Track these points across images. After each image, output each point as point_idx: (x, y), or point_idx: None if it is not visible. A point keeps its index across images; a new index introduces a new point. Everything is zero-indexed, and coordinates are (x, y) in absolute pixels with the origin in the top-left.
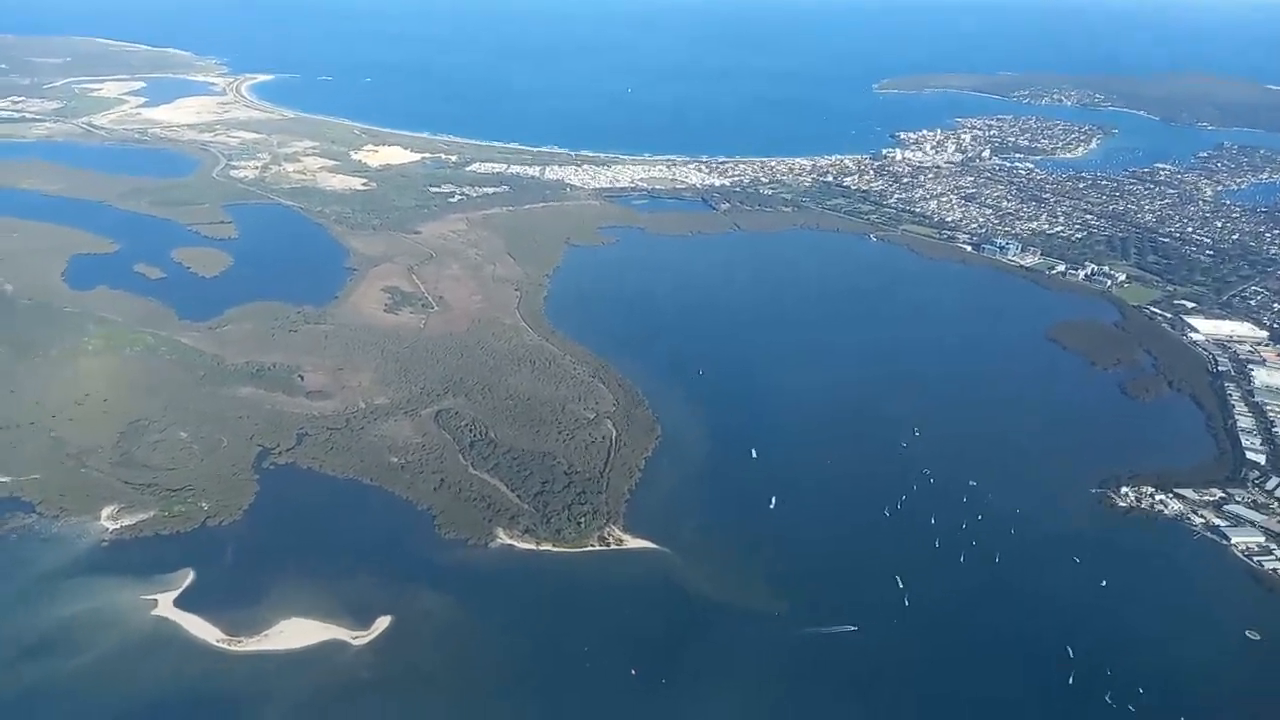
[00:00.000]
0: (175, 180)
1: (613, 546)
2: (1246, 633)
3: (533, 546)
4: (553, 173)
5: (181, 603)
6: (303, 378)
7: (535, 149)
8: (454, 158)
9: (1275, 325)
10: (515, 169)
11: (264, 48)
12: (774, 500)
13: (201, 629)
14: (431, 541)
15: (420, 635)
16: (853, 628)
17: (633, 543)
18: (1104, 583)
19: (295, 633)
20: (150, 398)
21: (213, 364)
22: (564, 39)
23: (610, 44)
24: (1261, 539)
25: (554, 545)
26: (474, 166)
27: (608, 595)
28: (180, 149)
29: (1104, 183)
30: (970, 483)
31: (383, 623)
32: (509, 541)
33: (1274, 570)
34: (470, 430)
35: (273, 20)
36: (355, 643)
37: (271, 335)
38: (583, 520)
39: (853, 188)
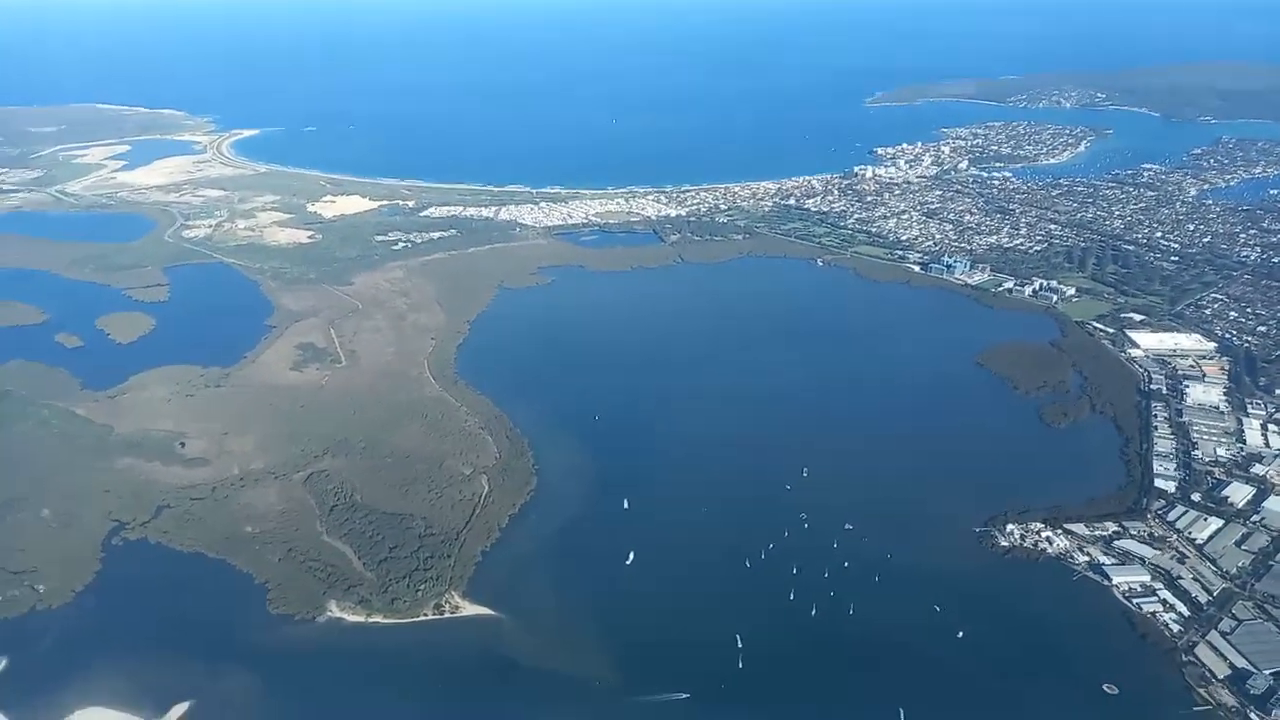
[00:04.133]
0: (124, 244)
1: (447, 615)
2: (1104, 687)
3: (362, 619)
4: (508, 213)
5: None
6: (184, 445)
7: (498, 188)
8: (411, 203)
9: (1226, 335)
10: (470, 211)
11: (257, 103)
12: (631, 556)
13: None
14: (258, 617)
15: None
16: (684, 695)
17: (469, 610)
18: (960, 634)
19: None
20: (24, 474)
21: (99, 435)
22: (565, 71)
23: (610, 73)
24: (1146, 578)
25: (385, 616)
26: (429, 211)
27: (428, 668)
28: (141, 211)
29: (1079, 189)
30: (846, 526)
31: (179, 709)
32: (339, 614)
33: (1153, 614)
34: (336, 494)
35: (272, 76)
36: None
37: (168, 401)
38: (421, 588)
39: (813, 210)
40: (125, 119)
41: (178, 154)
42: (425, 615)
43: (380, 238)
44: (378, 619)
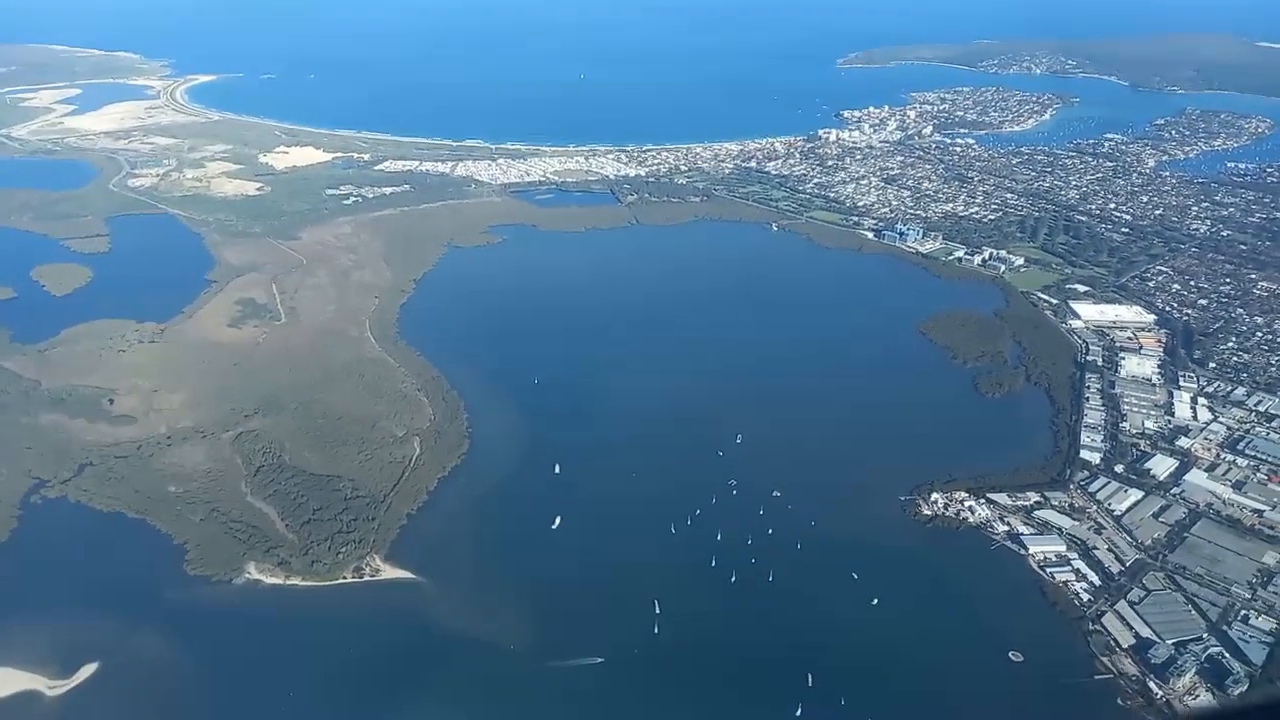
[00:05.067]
0: (67, 192)
1: (367, 578)
2: (1010, 654)
3: (280, 581)
4: (464, 169)
5: None
6: (112, 401)
7: (456, 143)
8: (366, 156)
9: (1167, 308)
10: (426, 166)
11: (216, 47)
12: (558, 520)
13: None
14: (174, 578)
15: (123, 682)
16: (599, 659)
17: (390, 573)
18: (875, 601)
19: None
20: None
21: (26, 390)
22: (535, 21)
23: (583, 24)
24: (1061, 548)
25: (304, 579)
26: (384, 165)
27: (342, 631)
28: (87, 158)
29: (1039, 158)
30: (774, 493)
31: (87, 670)
32: (257, 576)
33: (1065, 583)
34: (264, 454)
35: (236, 19)
36: (51, 693)
37: (99, 355)
38: (342, 551)
39: (773, 173)
40: (78, 61)
41: (130, 99)
42: (344, 578)
43: (331, 191)
44: (296, 581)
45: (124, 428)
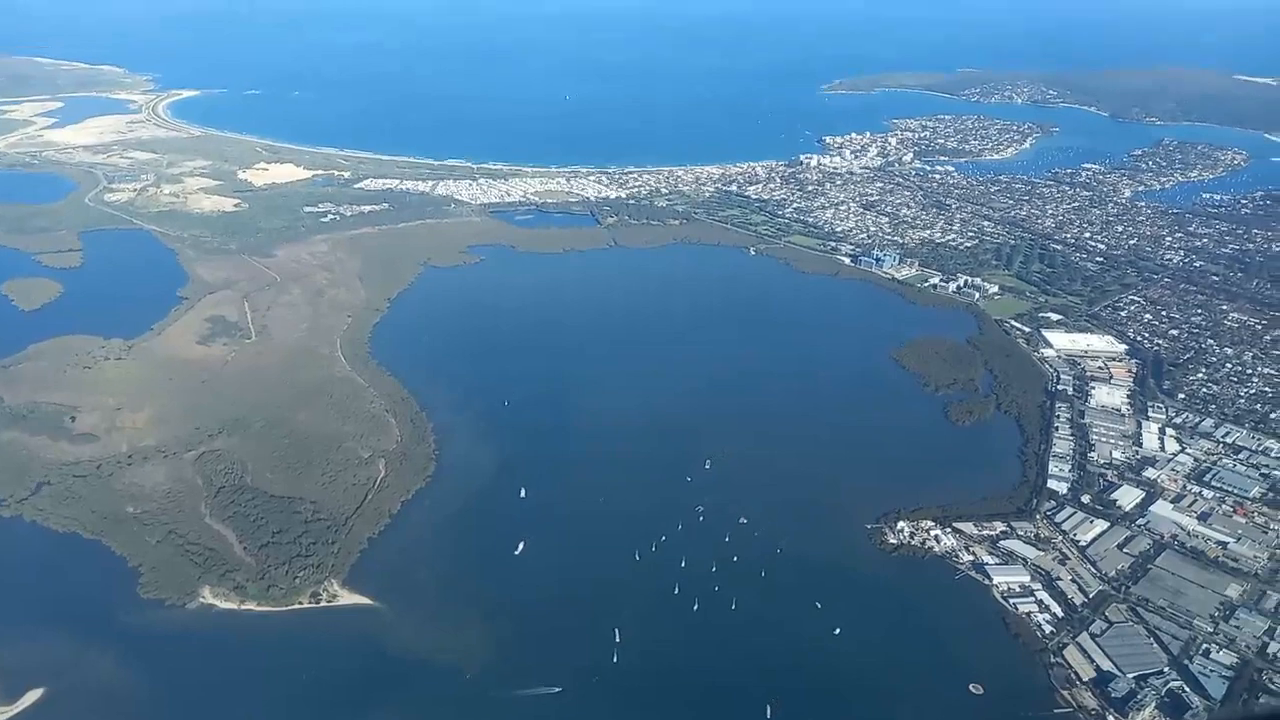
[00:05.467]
0: (42, 206)
1: (324, 604)
2: (970, 686)
3: (235, 605)
4: (445, 188)
5: None
6: (74, 419)
7: (437, 163)
8: (346, 174)
9: (1139, 337)
10: (406, 185)
11: (201, 63)
12: (521, 545)
13: None
14: (126, 602)
15: (67, 709)
16: (556, 689)
17: (348, 598)
18: (837, 630)
19: None
20: None
21: None
22: (522, 41)
23: (573, 45)
24: (1026, 579)
25: (259, 604)
26: (364, 183)
27: (296, 659)
28: (64, 172)
29: (1018, 186)
30: (741, 519)
31: (32, 695)
32: (211, 601)
33: (1028, 614)
34: (226, 474)
35: (227, 35)
36: None
37: (64, 372)
38: (300, 575)
39: (753, 197)
40: (62, 74)
41: (111, 113)
42: (300, 604)
43: (309, 209)
44: (251, 606)
45: (84, 446)
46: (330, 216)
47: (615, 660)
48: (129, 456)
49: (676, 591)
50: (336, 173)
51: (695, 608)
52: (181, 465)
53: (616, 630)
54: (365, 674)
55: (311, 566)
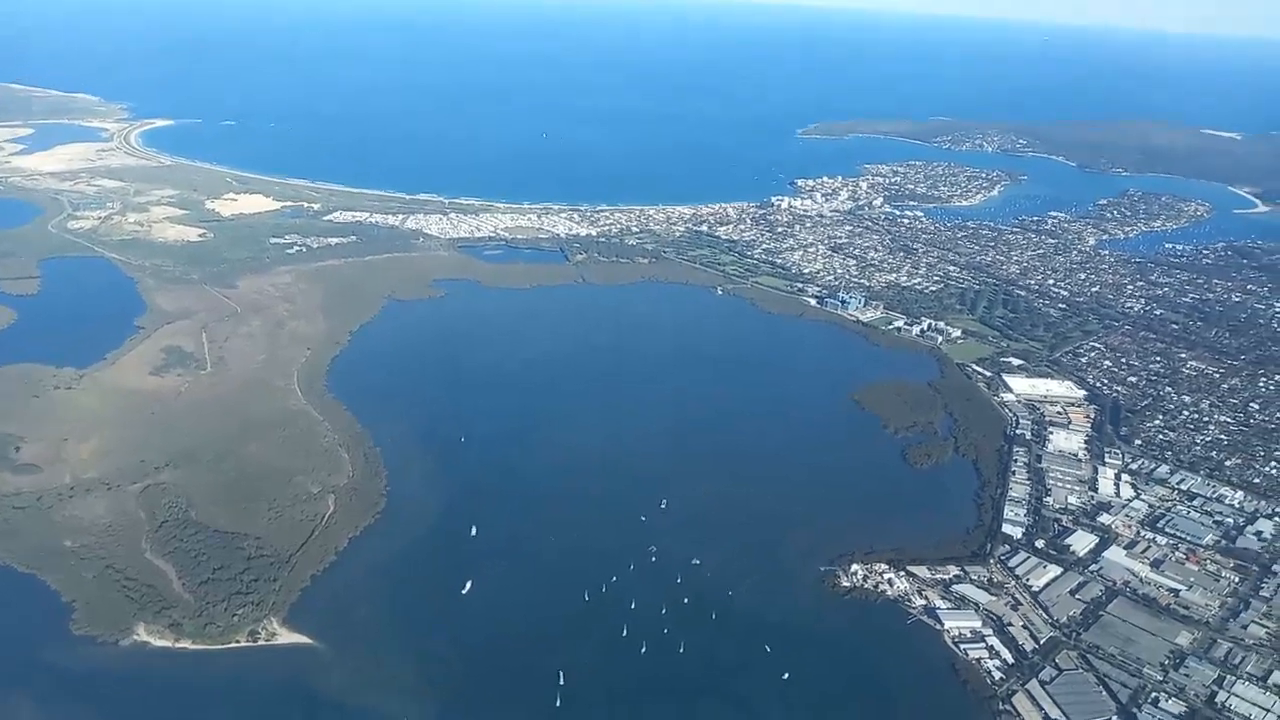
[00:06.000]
0: (4, 232)
1: (261, 642)
2: None
3: (170, 643)
4: (415, 222)
5: None
6: (18, 449)
7: (410, 196)
8: (316, 206)
9: (1098, 383)
10: (376, 218)
11: (179, 93)
12: (469, 585)
13: None
14: (57, 638)
15: None
16: None
17: (286, 638)
18: (786, 675)
19: None
20: None
21: None
22: (508, 79)
23: (554, 85)
24: (977, 624)
25: (194, 642)
26: (333, 215)
27: (228, 699)
28: (30, 198)
29: (984, 232)
30: (694, 561)
31: None
32: (145, 638)
33: (978, 660)
34: (170, 508)
35: (203, 67)
36: None
37: (12, 400)
38: (239, 613)
39: (723, 238)
40: (35, 101)
41: (83, 140)
42: (237, 642)
43: (275, 240)
44: (186, 644)
45: (26, 477)
46: (296, 248)
47: (558, 704)
48: (71, 488)
49: (625, 633)
50: (307, 204)
51: (643, 650)
52: (125, 498)
53: (561, 673)
54: (298, 716)
55: (251, 604)
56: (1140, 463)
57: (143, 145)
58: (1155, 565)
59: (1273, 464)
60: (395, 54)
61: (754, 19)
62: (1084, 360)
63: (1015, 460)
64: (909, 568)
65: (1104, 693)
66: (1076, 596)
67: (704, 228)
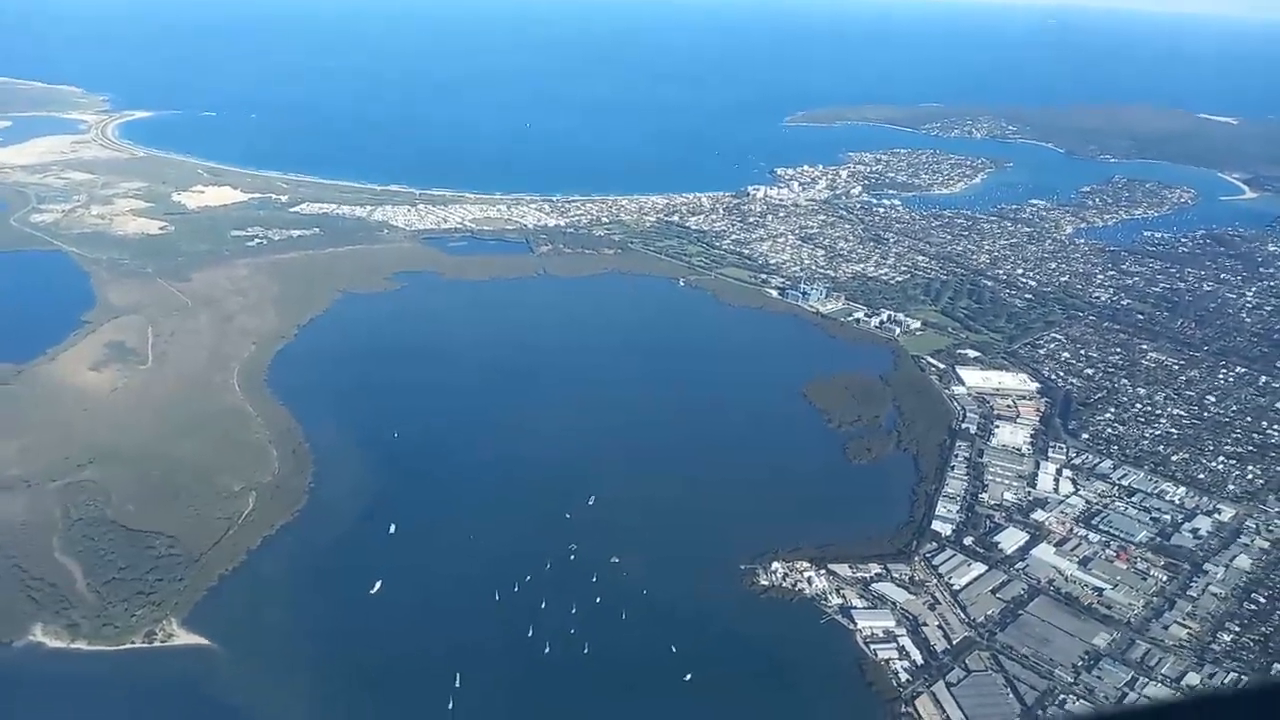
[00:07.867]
0: None
1: (157, 644)
2: None
3: (65, 644)
4: (382, 213)
5: None
6: None
7: (380, 188)
8: (284, 198)
9: (1053, 376)
10: (344, 209)
11: (163, 84)
12: (378, 585)
13: None
14: None
15: None
16: None
17: (183, 639)
18: (688, 677)
19: None
20: None
21: None
22: (495, 69)
23: (543, 72)
24: (890, 624)
25: (89, 643)
26: (300, 207)
27: (115, 700)
28: None
29: (959, 221)
30: (612, 559)
31: None
32: (41, 639)
33: (887, 661)
34: (87, 506)
35: (189, 57)
36: None
37: None
38: (138, 613)
39: (693, 228)
40: (18, 93)
41: (60, 133)
42: (133, 643)
43: (237, 232)
44: (80, 645)
45: None
46: (257, 240)
47: (450, 707)
48: None
49: (530, 634)
50: (275, 195)
51: (546, 651)
52: (43, 496)
53: (458, 675)
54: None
55: (152, 604)
56: (1084, 457)
57: (119, 138)
58: (1083, 563)
59: (1220, 459)
60: (385, 44)
61: (753, 9)
62: (1042, 352)
63: (957, 455)
64: (831, 566)
65: (1011, 695)
66: (997, 595)
67: (675, 218)
